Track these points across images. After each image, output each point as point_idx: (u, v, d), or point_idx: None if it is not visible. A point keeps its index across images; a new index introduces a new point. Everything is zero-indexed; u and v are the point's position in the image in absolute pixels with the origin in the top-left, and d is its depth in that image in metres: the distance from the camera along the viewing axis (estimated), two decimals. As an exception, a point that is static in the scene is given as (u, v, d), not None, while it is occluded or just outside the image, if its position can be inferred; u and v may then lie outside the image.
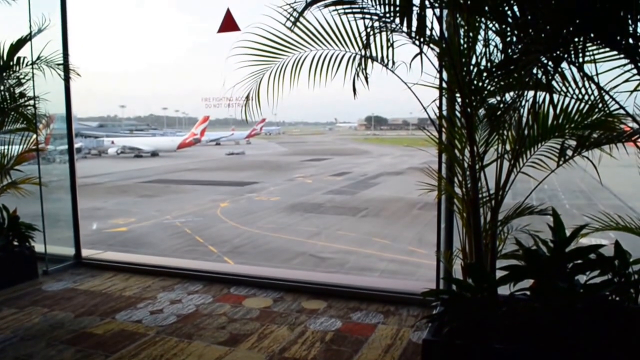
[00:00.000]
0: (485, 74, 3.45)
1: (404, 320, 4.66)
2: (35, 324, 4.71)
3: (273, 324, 4.62)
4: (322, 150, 65.58)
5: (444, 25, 3.46)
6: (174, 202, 28.11)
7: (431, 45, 3.50)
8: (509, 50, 3.17)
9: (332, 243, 18.46)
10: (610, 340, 3.08)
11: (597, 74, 2.98)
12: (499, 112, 3.52)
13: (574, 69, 3.07)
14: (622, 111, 3.08)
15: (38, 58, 5.58)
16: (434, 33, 3.45)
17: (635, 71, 2.72)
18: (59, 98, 6.28)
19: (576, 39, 2.86)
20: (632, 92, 2.87)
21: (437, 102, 3.95)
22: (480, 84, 3.48)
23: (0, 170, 6.03)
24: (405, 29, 3.47)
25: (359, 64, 3.74)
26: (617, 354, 3.05)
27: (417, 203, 24.60)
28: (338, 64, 3.78)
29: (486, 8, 3.07)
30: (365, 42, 3.65)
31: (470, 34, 3.44)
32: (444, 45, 3.50)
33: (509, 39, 3.12)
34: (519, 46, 3.09)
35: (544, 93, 3.33)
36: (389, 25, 3.52)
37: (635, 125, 2.99)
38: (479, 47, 3.43)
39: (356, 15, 3.54)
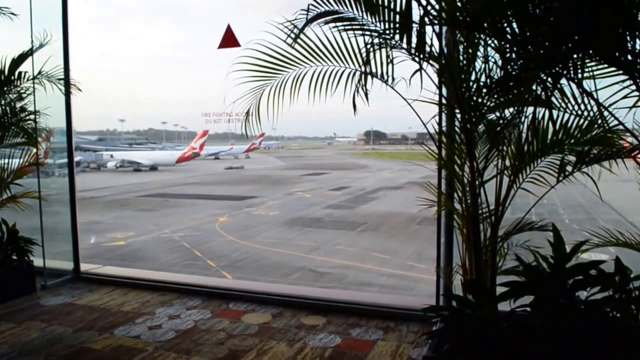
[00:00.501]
0: (484, 90, 3.47)
1: (404, 336, 4.63)
2: (34, 339, 4.67)
3: (272, 340, 4.59)
4: (321, 165, 65.72)
5: (444, 42, 3.48)
6: (173, 216, 28.10)
7: (431, 61, 3.52)
8: (508, 67, 3.18)
9: (330, 258, 18.43)
10: (611, 357, 3.06)
11: (596, 90, 3.00)
12: (498, 128, 3.54)
13: (573, 85, 3.09)
14: (621, 127, 3.10)
15: (39, 73, 5.59)
16: (433, 49, 3.47)
17: (634, 87, 2.73)
18: (59, 112, 6.29)
19: (575, 56, 2.88)
20: (631, 108, 2.88)
21: (437, 117, 3.96)
22: (479, 100, 3.49)
23: (0, 185, 6.02)
24: (405, 45, 3.49)
25: (359, 80, 3.76)
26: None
27: (416, 218, 24.59)
28: (338, 80, 3.80)
29: (485, 25, 3.08)
30: (365, 58, 3.67)
31: (470, 51, 3.46)
32: (443, 62, 3.52)
33: (508, 55, 3.14)
34: (518, 62, 3.11)
35: (543, 109, 3.35)
36: (389, 41, 3.55)
37: (635, 141, 3.00)
38: (479, 64, 3.45)
39: (356, 32, 3.57)
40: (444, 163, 3.94)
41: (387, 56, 3.68)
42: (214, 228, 24.61)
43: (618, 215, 20.60)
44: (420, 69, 3.41)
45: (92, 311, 5.39)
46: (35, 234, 6.15)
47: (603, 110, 3.09)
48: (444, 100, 3.81)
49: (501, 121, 3.53)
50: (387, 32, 3.50)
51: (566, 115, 3.44)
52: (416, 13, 3.26)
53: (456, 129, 3.71)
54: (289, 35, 3.56)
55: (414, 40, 3.44)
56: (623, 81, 2.80)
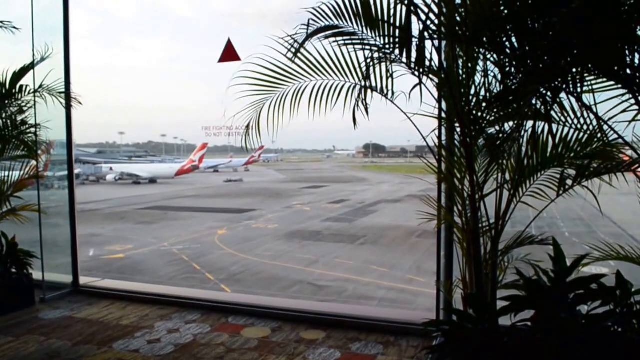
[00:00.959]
0: (484, 104, 3.48)
1: (404, 351, 4.60)
2: (32, 353, 4.64)
3: (271, 355, 4.56)
4: (320, 178, 65.75)
5: (443, 56, 3.50)
6: (172, 229, 28.07)
7: (430, 75, 3.54)
8: (508, 81, 3.20)
9: (330, 271, 18.38)
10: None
11: (595, 104, 3.01)
12: (498, 142, 3.55)
13: (573, 99, 3.10)
14: (620, 140, 3.11)
15: (40, 86, 5.61)
16: (433, 64, 3.49)
17: (633, 101, 2.74)
18: (59, 125, 6.30)
19: (574, 70, 2.89)
20: (630, 121, 2.89)
21: (437, 131, 3.97)
22: (479, 114, 3.50)
23: (0, 197, 6.01)
24: (404, 59, 3.51)
25: (359, 94, 3.77)
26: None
27: (415, 231, 24.58)
28: (338, 94, 3.82)
29: (484, 39, 3.10)
30: (365, 72, 3.69)
31: (469, 65, 3.48)
32: (443, 76, 3.54)
33: (507, 69, 3.15)
34: (518, 77, 3.12)
35: (543, 123, 3.36)
36: (388, 56, 3.57)
37: (634, 155, 3.01)
38: (478, 78, 3.47)
39: (356, 47, 3.59)
40: (443, 177, 3.95)
41: (387, 70, 3.70)
42: (213, 241, 24.57)
43: (618, 228, 20.60)
44: (420, 83, 3.42)
45: (91, 325, 5.36)
46: (34, 247, 6.13)
47: (602, 124, 3.10)
48: (443, 114, 3.82)
49: (501, 135, 3.54)
50: (387, 46, 3.52)
51: (566, 129, 3.45)
52: (416, 28, 3.29)
53: (456, 142, 3.72)
54: (289, 50, 3.58)
55: (414, 54, 3.45)
56: (622, 95, 2.81)
